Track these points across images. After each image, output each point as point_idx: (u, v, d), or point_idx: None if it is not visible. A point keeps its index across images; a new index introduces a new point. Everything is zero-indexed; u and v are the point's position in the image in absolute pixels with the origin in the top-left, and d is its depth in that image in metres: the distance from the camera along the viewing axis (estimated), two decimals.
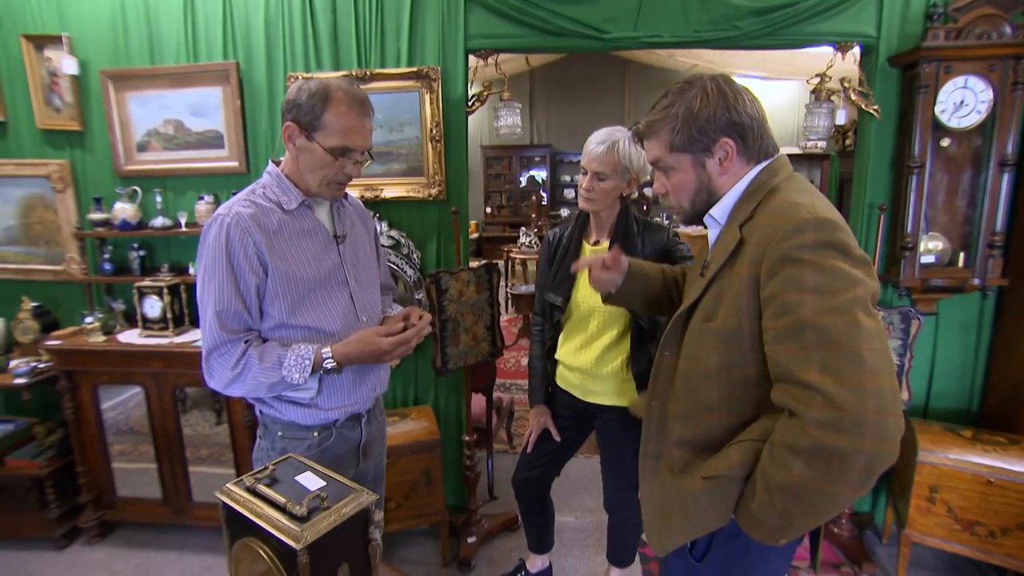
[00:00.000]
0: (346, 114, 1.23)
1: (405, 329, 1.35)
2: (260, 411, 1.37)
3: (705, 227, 1.14)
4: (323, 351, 1.26)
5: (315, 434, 1.34)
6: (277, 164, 1.33)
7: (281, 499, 0.79)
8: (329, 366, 1.26)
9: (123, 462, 2.43)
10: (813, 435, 0.82)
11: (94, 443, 2.39)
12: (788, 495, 0.86)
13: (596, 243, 1.76)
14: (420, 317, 1.39)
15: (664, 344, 1.13)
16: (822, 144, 2.46)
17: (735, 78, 1.06)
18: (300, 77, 2.15)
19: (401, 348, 1.32)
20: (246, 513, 0.79)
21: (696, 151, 1.04)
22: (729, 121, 1.01)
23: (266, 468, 0.88)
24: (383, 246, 1.90)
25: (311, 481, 0.85)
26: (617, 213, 1.72)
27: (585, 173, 1.67)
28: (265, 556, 0.77)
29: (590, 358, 1.73)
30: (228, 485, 0.84)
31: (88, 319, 2.39)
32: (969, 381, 2.30)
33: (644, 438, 1.17)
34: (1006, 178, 2.03)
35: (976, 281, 2.10)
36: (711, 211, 1.09)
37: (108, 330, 2.42)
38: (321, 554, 0.75)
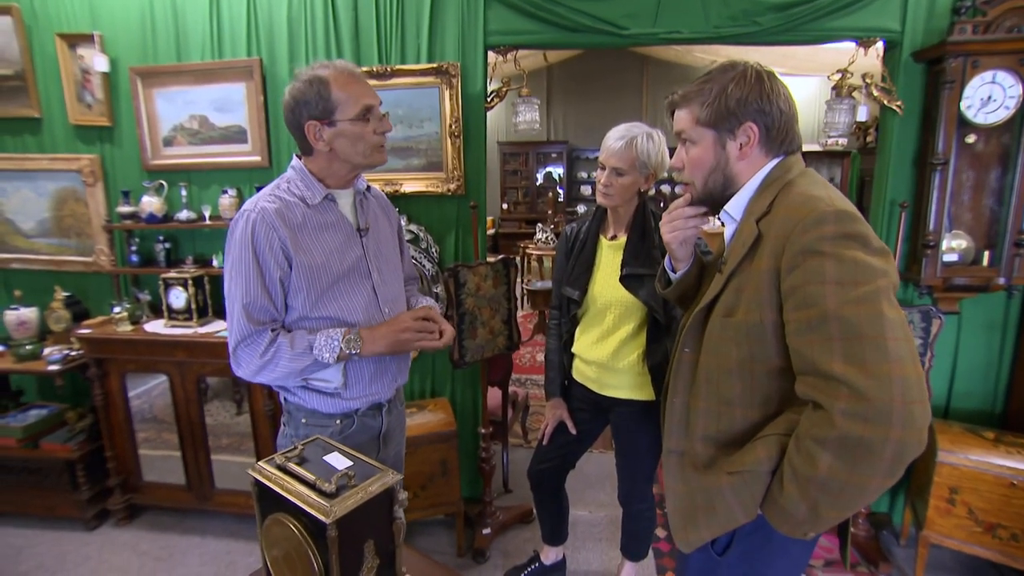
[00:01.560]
0: (348, 81, 1.27)
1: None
2: (284, 399, 1.41)
3: (722, 224, 1.15)
4: (351, 331, 1.29)
5: (337, 422, 1.38)
6: (300, 158, 1.36)
7: (311, 476, 0.82)
8: (351, 336, 1.28)
9: (147, 449, 2.51)
10: (839, 426, 0.82)
11: (122, 429, 2.47)
12: (816, 487, 0.86)
13: (613, 238, 1.77)
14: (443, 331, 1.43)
15: (684, 340, 1.13)
16: (843, 141, 2.44)
17: None
18: None
19: (423, 329, 1.35)
20: (277, 489, 0.82)
21: (720, 129, 1.04)
22: (759, 108, 1.02)
23: (295, 448, 0.91)
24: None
25: (338, 461, 0.88)
26: (634, 208, 1.72)
27: (603, 168, 1.68)
28: (295, 530, 0.80)
29: (606, 352, 1.75)
30: (260, 463, 0.88)
31: (116, 309, 2.46)
32: (993, 382, 2.26)
33: (666, 434, 1.18)
34: None
35: (1001, 280, 2.06)
36: (726, 207, 1.09)
37: (135, 320, 2.49)
38: (348, 529, 0.78)
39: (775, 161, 1.06)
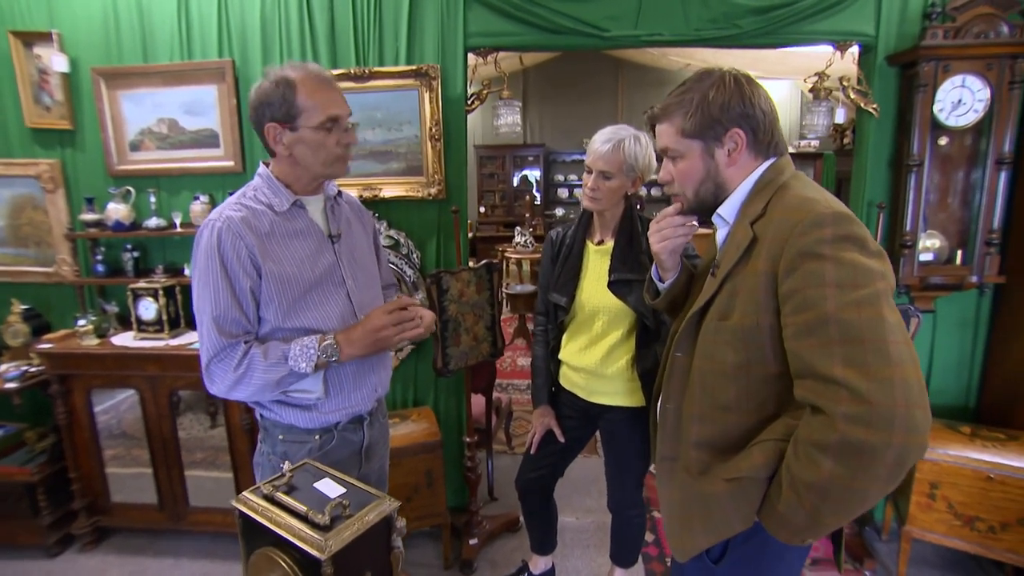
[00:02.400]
0: (316, 88, 1.22)
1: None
2: (260, 415, 1.35)
3: (713, 226, 1.14)
4: (326, 336, 1.24)
5: (316, 437, 1.32)
6: (267, 165, 1.31)
7: (302, 508, 0.76)
8: (328, 343, 1.22)
9: (116, 467, 2.39)
10: (841, 430, 0.81)
11: (87, 448, 2.34)
12: (817, 493, 0.85)
13: (600, 242, 1.75)
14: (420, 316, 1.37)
15: (676, 345, 1.12)
16: (815, 143, 2.49)
17: None
18: None
19: (400, 321, 1.29)
20: (265, 522, 0.76)
21: (707, 139, 1.03)
22: (743, 112, 1.01)
23: (283, 475, 0.85)
24: (383, 246, 1.88)
25: (331, 488, 0.82)
26: (621, 212, 1.71)
27: (590, 172, 1.65)
28: (286, 566, 0.75)
29: (595, 358, 1.72)
30: (244, 493, 0.82)
31: (81, 322, 2.34)
32: (966, 378, 2.32)
33: (659, 440, 1.16)
34: (1003, 176, 2.05)
35: (974, 278, 2.11)
36: (719, 210, 1.08)
37: (101, 333, 2.37)
38: (344, 564, 0.72)
39: (767, 163, 1.05)
